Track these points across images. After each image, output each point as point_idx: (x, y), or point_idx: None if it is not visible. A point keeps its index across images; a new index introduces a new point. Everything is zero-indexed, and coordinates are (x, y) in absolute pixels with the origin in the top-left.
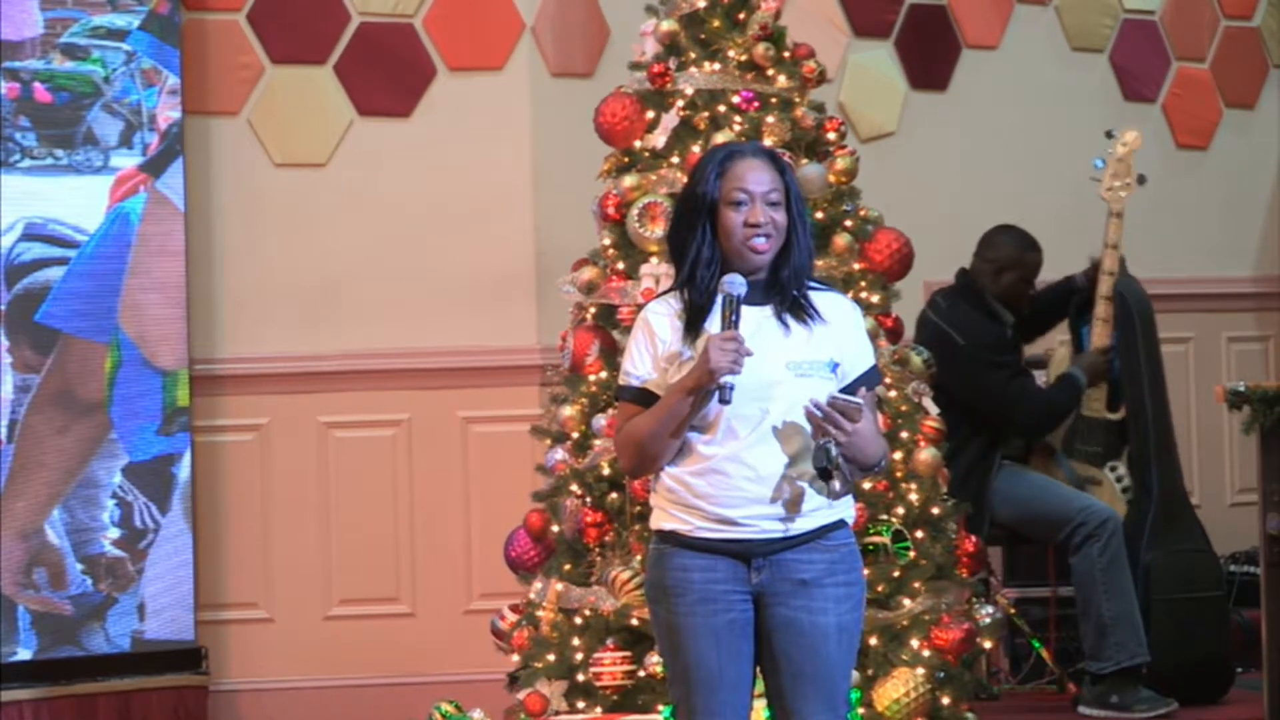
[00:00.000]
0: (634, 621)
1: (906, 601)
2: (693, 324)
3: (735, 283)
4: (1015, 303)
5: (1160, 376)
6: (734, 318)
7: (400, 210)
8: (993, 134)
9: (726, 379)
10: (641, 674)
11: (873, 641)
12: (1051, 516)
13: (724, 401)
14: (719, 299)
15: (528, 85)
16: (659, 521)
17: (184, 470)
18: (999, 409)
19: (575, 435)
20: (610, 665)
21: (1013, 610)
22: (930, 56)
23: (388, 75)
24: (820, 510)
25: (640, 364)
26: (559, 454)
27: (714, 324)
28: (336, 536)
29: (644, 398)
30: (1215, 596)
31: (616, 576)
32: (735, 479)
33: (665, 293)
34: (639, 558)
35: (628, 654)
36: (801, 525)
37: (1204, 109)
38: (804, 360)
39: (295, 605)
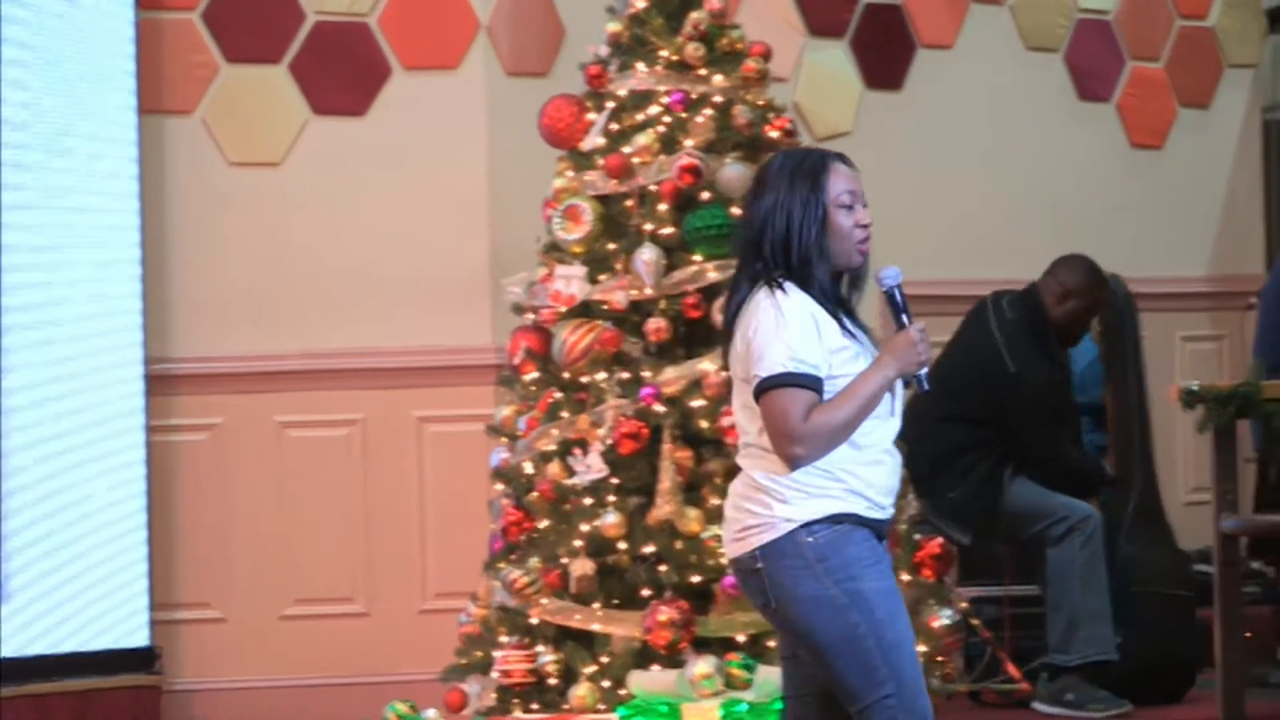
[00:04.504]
0: (533, 620)
1: None
2: (848, 318)
3: (896, 275)
4: (1071, 329)
5: (1142, 374)
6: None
7: (355, 209)
8: (948, 133)
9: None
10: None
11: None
12: (1033, 509)
13: (922, 389)
14: (885, 295)
15: (483, 85)
16: (829, 508)
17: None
18: (1026, 439)
19: (518, 434)
20: (515, 662)
21: (976, 621)
22: (885, 56)
23: (343, 74)
24: None
25: (813, 352)
26: (502, 453)
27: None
28: (291, 536)
29: (820, 385)
30: (1186, 596)
31: (509, 575)
32: (889, 467)
33: (777, 284)
34: (533, 560)
35: (530, 652)
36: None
37: (1159, 108)
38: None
39: (250, 605)
